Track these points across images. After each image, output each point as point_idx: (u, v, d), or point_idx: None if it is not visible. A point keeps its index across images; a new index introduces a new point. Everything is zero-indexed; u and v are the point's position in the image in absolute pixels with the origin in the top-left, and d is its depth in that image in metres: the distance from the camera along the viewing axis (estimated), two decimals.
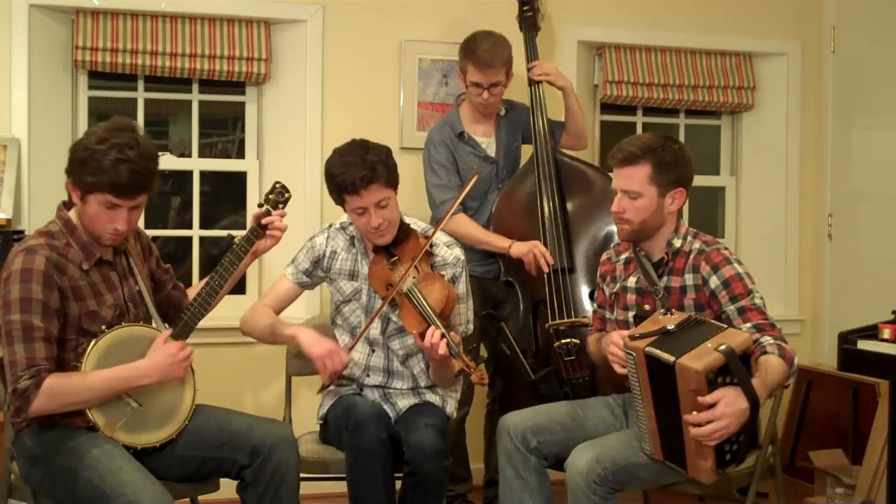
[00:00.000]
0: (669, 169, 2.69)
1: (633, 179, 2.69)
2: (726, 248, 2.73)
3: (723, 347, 2.33)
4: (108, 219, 2.43)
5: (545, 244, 3.48)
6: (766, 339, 2.52)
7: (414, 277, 2.83)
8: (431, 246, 2.91)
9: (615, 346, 2.61)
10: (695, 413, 2.34)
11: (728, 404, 2.32)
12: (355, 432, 2.70)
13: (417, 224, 3.01)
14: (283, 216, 2.78)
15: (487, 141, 3.68)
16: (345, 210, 2.91)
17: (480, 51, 3.50)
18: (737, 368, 2.34)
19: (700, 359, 2.33)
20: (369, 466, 2.68)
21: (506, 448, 2.79)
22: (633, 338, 2.52)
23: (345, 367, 2.86)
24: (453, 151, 3.59)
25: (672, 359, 2.37)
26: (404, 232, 2.92)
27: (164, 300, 2.79)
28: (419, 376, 3.00)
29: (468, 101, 3.66)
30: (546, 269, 3.41)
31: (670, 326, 2.49)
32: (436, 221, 3.48)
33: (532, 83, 3.68)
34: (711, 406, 2.32)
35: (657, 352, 2.43)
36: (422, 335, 2.71)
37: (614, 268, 2.92)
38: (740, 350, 2.36)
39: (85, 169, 2.38)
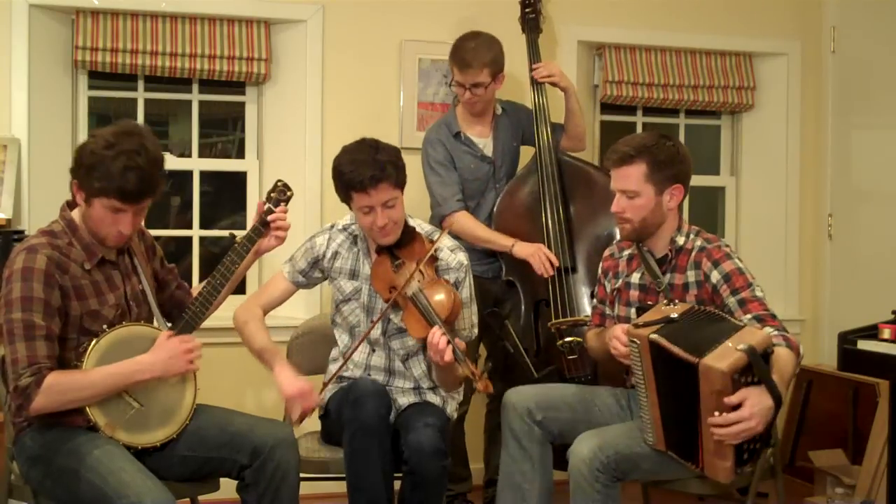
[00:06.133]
0: (665, 166, 2.70)
1: (629, 179, 2.71)
2: (727, 245, 2.75)
3: (744, 346, 2.32)
4: (112, 222, 2.44)
5: (547, 244, 3.48)
6: (769, 331, 2.52)
7: (419, 281, 2.82)
8: (436, 250, 2.91)
9: (617, 340, 2.62)
10: (717, 414, 2.34)
11: (754, 404, 2.32)
12: (355, 406, 2.70)
13: (421, 227, 3.01)
14: (285, 213, 2.77)
15: (484, 141, 3.68)
16: (350, 208, 2.91)
17: (462, 51, 3.52)
18: (759, 367, 2.34)
19: (724, 359, 2.32)
20: (368, 441, 2.67)
21: (509, 420, 2.80)
22: (636, 326, 2.53)
23: (316, 407, 2.85)
24: (450, 151, 3.60)
25: (695, 359, 2.36)
26: (409, 234, 2.92)
27: (168, 300, 2.79)
28: (420, 378, 3.00)
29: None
30: (550, 273, 3.42)
31: (674, 315, 2.49)
32: (437, 223, 3.49)
33: (534, 85, 3.68)
34: (736, 406, 2.32)
35: (666, 342, 2.43)
36: (428, 339, 2.70)
37: (617, 263, 2.93)
38: (761, 348, 2.36)
39: (93, 174, 2.38)
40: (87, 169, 2.40)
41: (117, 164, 2.36)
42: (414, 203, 3.46)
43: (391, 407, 2.82)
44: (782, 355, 2.46)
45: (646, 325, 2.51)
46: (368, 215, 2.83)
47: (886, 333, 3.04)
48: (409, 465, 2.72)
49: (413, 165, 3.77)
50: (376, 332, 2.97)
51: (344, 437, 2.73)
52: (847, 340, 3.11)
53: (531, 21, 3.77)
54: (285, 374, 2.84)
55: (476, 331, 3.07)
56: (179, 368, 2.51)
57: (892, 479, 3.11)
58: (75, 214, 2.51)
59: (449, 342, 2.68)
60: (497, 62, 3.54)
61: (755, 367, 2.33)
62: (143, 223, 2.80)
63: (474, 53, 3.49)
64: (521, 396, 2.82)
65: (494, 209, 3.61)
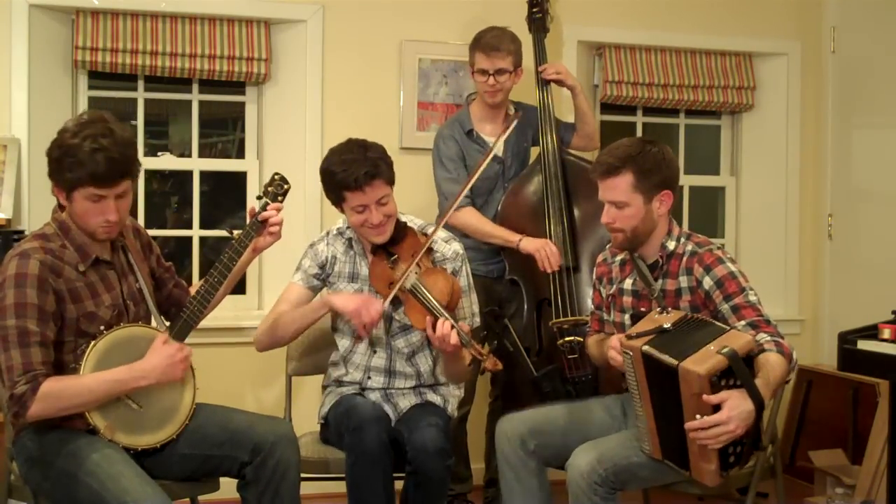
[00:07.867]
0: (651, 174, 2.67)
1: (616, 190, 2.68)
2: (719, 249, 2.72)
3: (726, 350, 2.31)
4: (96, 212, 2.41)
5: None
6: (763, 337, 2.51)
7: (416, 273, 2.83)
8: (431, 242, 2.91)
9: (615, 350, 2.61)
10: (699, 417, 2.33)
11: (733, 407, 2.30)
12: (356, 434, 2.70)
13: (414, 222, 3.01)
14: (279, 210, 2.73)
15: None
16: (341, 209, 2.91)
17: (487, 37, 3.56)
18: (740, 371, 2.32)
19: (703, 362, 2.31)
20: (370, 468, 2.68)
21: (504, 452, 2.79)
22: (629, 337, 2.52)
23: (381, 316, 2.84)
24: (462, 148, 3.60)
25: (675, 362, 2.35)
26: (401, 230, 2.93)
27: (165, 298, 2.78)
28: (425, 374, 2.99)
29: (478, 97, 3.67)
30: (550, 270, 3.42)
31: (667, 325, 2.49)
32: (440, 217, 3.49)
33: (541, 86, 3.68)
34: (716, 407, 2.31)
35: (655, 352, 2.42)
36: (431, 329, 2.71)
37: (610, 270, 2.92)
38: (743, 352, 2.34)
39: (63, 166, 2.37)
40: (57, 163, 2.39)
41: (84, 149, 2.34)
42: (414, 203, 3.46)
43: (391, 427, 2.81)
44: (771, 360, 2.43)
45: (639, 335, 2.50)
46: (362, 214, 2.84)
47: (886, 333, 3.04)
48: (413, 465, 2.72)
49: (413, 166, 3.80)
50: (380, 332, 2.97)
51: (346, 462, 2.73)
52: (847, 340, 3.11)
53: (538, 21, 3.78)
54: (339, 296, 2.88)
55: (478, 319, 3.07)
56: (176, 375, 2.49)
57: (892, 479, 3.10)
58: (66, 216, 2.49)
59: (452, 326, 2.68)
60: (519, 53, 3.59)
61: (736, 371, 2.31)
62: (140, 222, 2.80)
63: (500, 39, 3.55)
64: (513, 425, 2.79)
65: (498, 208, 3.62)
